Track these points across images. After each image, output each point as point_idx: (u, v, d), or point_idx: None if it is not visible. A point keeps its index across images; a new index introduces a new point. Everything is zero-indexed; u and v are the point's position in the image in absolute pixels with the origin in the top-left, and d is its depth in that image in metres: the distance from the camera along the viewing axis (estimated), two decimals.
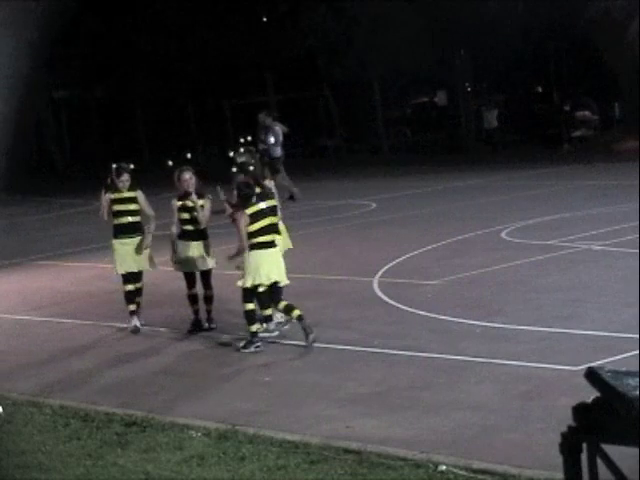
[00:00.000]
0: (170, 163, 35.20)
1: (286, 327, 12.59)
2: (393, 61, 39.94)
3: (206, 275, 13.43)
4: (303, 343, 11.93)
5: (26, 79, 34.33)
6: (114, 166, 14.07)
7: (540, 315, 12.28)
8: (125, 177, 13.78)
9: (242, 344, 12.13)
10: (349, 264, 17.28)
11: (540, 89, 46.91)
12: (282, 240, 13.13)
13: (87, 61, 45.99)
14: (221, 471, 8.05)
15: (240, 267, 12.40)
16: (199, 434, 9.01)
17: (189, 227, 13.35)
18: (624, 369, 5.49)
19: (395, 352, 11.33)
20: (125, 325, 13.91)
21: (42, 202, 35.88)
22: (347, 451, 8.19)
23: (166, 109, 51.38)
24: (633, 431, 5.00)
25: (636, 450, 5.14)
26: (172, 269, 13.75)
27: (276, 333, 12.56)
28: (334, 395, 10.00)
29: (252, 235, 12.03)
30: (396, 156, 41.18)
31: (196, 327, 13.40)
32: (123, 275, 13.82)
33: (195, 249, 13.29)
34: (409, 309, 13.33)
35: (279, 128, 28.01)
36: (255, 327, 12.11)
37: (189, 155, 41.89)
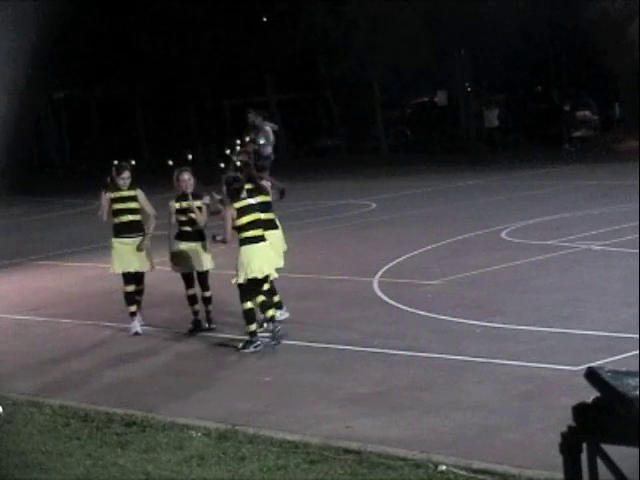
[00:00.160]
0: (170, 163, 35.18)
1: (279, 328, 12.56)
2: (393, 61, 39.95)
3: (203, 276, 13.41)
4: (303, 343, 11.94)
5: (26, 79, 34.31)
6: (115, 164, 14.06)
7: (540, 315, 12.28)
8: (126, 174, 13.76)
9: (241, 345, 12.12)
10: (349, 264, 17.28)
11: (540, 89, 46.95)
12: (279, 238, 13.23)
13: (87, 61, 45.97)
14: (221, 471, 8.05)
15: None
16: (199, 434, 9.00)
17: (187, 228, 13.34)
18: (624, 369, 5.50)
19: (395, 352, 11.32)
20: (125, 325, 13.90)
21: (42, 202, 35.89)
22: (347, 451, 8.18)
23: (166, 109, 51.41)
24: (633, 431, 5.01)
25: (636, 450, 5.14)
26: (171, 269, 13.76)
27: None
28: (334, 395, 10.00)
29: (240, 230, 12.10)
30: (396, 156, 41.18)
31: (196, 327, 13.39)
32: (124, 276, 13.76)
33: (193, 250, 13.29)
34: (409, 309, 13.33)
35: (269, 128, 27.78)
36: (254, 326, 12.10)
37: (190, 156, 41.85)
